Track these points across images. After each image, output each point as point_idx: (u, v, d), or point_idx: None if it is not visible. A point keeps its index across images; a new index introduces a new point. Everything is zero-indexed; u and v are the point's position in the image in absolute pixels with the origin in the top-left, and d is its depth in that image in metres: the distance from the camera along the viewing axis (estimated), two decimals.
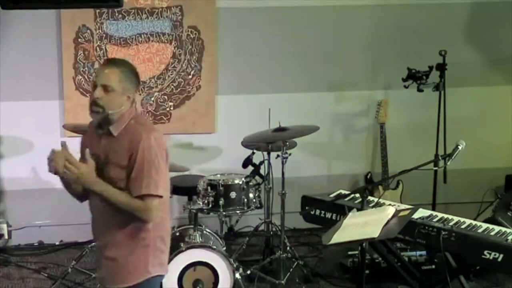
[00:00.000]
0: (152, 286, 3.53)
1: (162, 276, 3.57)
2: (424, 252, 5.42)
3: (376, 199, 4.69)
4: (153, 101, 6.11)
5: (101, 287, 3.65)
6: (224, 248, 5.09)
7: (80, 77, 5.97)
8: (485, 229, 4.49)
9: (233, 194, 5.26)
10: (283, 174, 5.37)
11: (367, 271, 4.90)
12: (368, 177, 6.44)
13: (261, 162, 5.50)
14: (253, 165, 5.45)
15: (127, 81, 3.42)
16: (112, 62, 3.48)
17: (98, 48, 5.96)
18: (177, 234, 5.12)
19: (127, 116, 3.42)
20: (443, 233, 4.40)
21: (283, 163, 5.34)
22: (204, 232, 5.11)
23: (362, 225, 3.70)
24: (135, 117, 3.45)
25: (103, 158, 3.41)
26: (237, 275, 4.96)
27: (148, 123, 3.57)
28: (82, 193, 3.54)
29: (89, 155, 3.37)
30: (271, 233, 5.73)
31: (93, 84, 3.45)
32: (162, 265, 3.54)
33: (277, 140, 5.36)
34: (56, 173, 3.36)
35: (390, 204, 4.38)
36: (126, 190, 3.35)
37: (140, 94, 6.08)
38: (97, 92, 3.39)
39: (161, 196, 3.36)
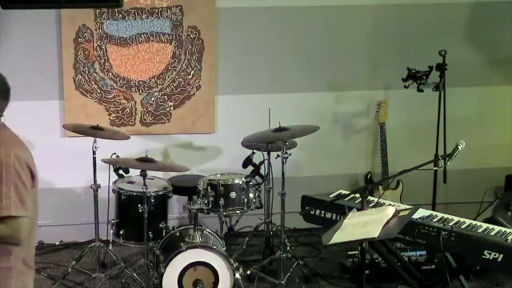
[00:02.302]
0: None
1: None
2: (424, 252, 5.42)
3: (376, 199, 4.69)
4: (153, 101, 6.11)
5: None
6: (224, 248, 5.09)
7: (80, 77, 5.97)
8: (485, 229, 4.49)
9: (233, 194, 5.27)
10: (283, 174, 5.37)
11: (367, 271, 4.90)
12: (368, 177, 6.44)
13: (261, 162, 5.50)
14: (253, 165, 5.45)
15: None
16: None
17: (98, 48, 5.96)
18: (177, 234, 5.13)
19: None
20: (443, 233, 4.40)
21: (283, 163, 5.34)
22: (204, 232, 5.11)
23: (362, 225, 3.70)
24: None
25: None
26: (237, 275, 4.95)
27: (11, 138, 3.20)
28: None
29: None
30: (271, 233, 5.74)
31: None
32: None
33: (277, 140, 5.36)
34: None
35: (390, 204, 4.38)
36: None
37: (140, 94, 6.09)
38: None
39: (26, 216, 3.10)
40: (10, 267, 3.16)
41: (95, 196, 5.36)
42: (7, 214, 3.03)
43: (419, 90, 5.86)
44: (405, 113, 6.47)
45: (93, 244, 5.42)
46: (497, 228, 4.55)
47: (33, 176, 3.20)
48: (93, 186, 5.36)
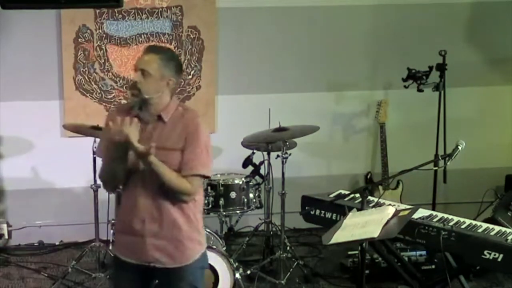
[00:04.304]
0: (205, 260, 3.71)
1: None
2: (424, 252, 5.42)
3: (376, 199, 4.69)
4: None
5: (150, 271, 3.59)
6: (224, 248, 5.09)
7: (80, 77, 5.97)
8: (485, 229, 4.49)
9: (233, 194, 5.27)
10: (283, 174, 5.37)
11: (367, 271, 4.90)
12: (368, 177, 6.44)
13: (261, 162, 5.51)
14: (253, 165, 5.45)
15: (165, 67, 3.50)
16: (151, 49, 3.57)
17: (98, 48, 5.96)
18: None
19: (173, 103, 3.56)
20: (443, 233, 4.39)
21: (283, 163, 5.34)
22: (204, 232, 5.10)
23: (362, 225, 3.69)
24: (181, 104, 3.60)
25: (151, 144, 3.44)
26: (237, 275, 4.96)
27: (195, 110, 3.68)
28: (125, 173, 3.52)
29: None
30: (271, 233, 5.73)
31: (134, 68, 3.55)
32: (205, 239, 3.72)
33: (277, 140, 5.36)
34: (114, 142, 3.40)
35: (390, 204, 4.37)
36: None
37: None
38: (136, 75, 3.50)
39: (207, 177, 3.55)
40: (193, 220, 3.58)
41: (95, 196, 5.36)
42: (196, 173, 3.48)
43: (419, 90, 5.86)
44: (405, 113, 6.47)
45: (93, 244, 5.42)
46: (497, 228, 4.54)
47: None
48: (93, 186, 5.36)
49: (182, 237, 3.55)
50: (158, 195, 3.48)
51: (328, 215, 4.85)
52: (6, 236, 5.98)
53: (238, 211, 5.36)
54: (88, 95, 6.00)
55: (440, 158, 4.68)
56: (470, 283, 5.22)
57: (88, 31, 5.92)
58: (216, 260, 4.84)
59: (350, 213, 3.98)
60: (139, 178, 3.49)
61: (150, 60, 3.49)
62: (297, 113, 6.04)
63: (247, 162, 5.45)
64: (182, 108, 3.57)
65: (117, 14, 5.92)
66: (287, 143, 5.35)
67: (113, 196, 5.34)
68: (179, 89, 6.11)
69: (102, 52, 5.97)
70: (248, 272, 5.35)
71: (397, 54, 6.31)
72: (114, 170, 3.50)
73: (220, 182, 5.25)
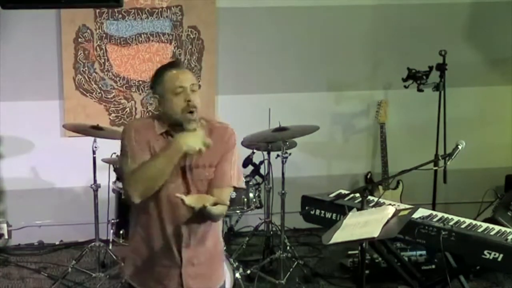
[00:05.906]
0: None
1: None
2: (424, 252, 5.42)
3: (376, 199, 4.68)
4: (153, 101, 6.10)
5: None
6: (224, 248, 5.07)
7: (80, 77, 5.97)
8: (485, 229, 4.49)
9: (233, 194, 5.25)
10: (283, 174, 5.37)
11: (367, 271, 4.90)
12: (368, 177, 6.44)
13: (261, 162, 5.51)
14: (253, 165, 5.45)
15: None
16: (176, 64, 3.28)
17: (98, 48, 5.96)
18: None
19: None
20: (443, 233, 4.39)
21: (283, 163, 5.34)
22: None
23: (362, 225, 3.69)
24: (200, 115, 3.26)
25: (188, 162, 3.19)
26: (237, 275, 4.95)
27: (220, 121, 3.38)
28: None
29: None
30: (271, 233, 5.74)
31: (180, 89, 3.16)
32: None
33: (277, 140, 5.36)
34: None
35: (390, 204, 4.37)
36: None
37: (140, 94, 6.09)
38: (193, 96, 3.15)
39: (239, 188, 3.37)
40: (218, 235, 3.41)
41: (95, 196, 5.36)
42: (235, 185, 3.30)
43: (419, 90, 5.86)
44: (405, 113, 6.47)
45: (93, 244, 5.42)
46: (497, 228, 4.54)
47: None
48: (93, 186, 5.36)
49: (216, 258, 3.38)
50: (193, 217, 3.15)
51: (328, 215, 4.85)
52: (6, 236, 5.98)
53: (238, 211, 5.35)
54: (88, 95, 6.01)
55: (440, 158, 4.67)
56: (470, 283, 5.22)
57: (88, 31, 5.92)
58: None
59: (350, 213, 3.97)
60: (175, 202, 3.10)
61: (189, 74, 3.20)
62: (297, 113, 6.05)
63: (247, 161, 5.45)
64: (204, 120, 3.24)
65: (117, 14, 5.92)
66: (287, 143, 5.35)
67: (113, 195, 5.34)
68: None
69: (102, 52, 5.97)
70: (248, 272, 5.35)
71: (397, 54, 6.31)
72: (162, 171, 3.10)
73: None
